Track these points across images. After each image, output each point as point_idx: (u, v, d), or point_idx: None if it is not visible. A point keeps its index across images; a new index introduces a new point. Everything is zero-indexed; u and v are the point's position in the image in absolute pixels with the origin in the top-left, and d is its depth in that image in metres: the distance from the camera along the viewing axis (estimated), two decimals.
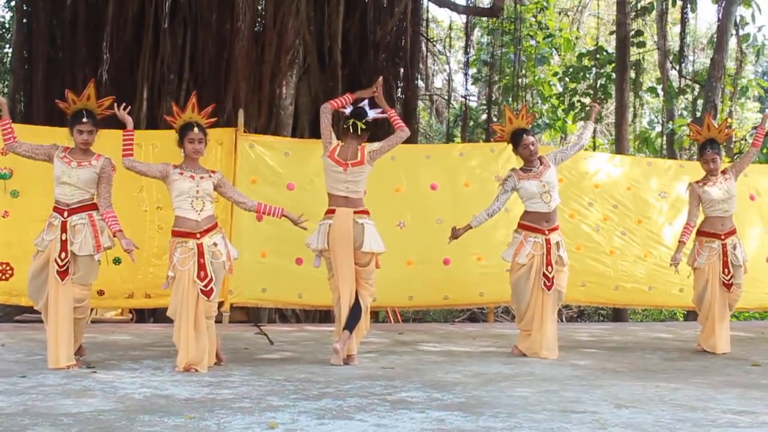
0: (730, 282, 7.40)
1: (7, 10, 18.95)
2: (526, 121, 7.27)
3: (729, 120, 7.66)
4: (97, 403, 4.54)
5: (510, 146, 9.41)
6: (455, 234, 7.21)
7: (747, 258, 7.67)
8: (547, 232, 6.97)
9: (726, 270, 7.39)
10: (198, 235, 6.01)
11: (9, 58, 17.18)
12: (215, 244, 6.06)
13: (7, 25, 18.67)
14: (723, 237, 7.44)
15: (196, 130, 6.14)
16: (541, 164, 7.07)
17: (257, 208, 6.39)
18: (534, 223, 7.00)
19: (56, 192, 6.06)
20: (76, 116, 6.07)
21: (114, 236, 6.13)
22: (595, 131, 20.15)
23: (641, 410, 4.47)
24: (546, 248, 6.93)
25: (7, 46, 18.52)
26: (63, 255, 5.93)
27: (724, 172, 7.56)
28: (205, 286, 5.96)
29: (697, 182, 7.58)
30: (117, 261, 8.35)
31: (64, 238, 5.94)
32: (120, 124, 6.29)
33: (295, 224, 6.46)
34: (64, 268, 5.93)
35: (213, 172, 6.27)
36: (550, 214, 7.01)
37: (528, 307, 6.98)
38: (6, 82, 17.68)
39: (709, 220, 7.52)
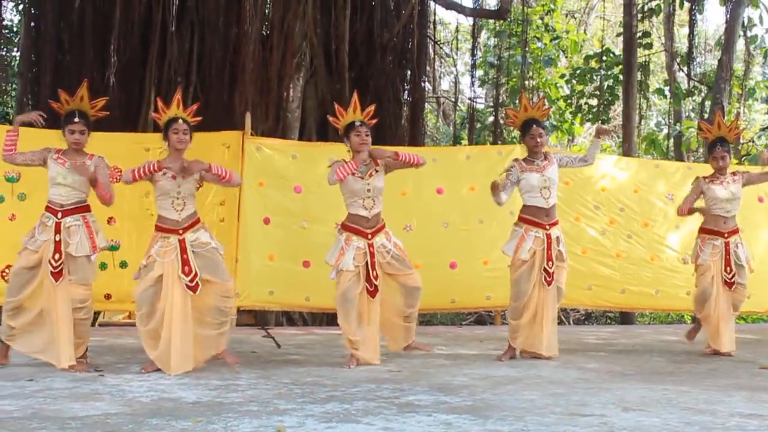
0: (732, 281, 7.36)
1: (15, 13, 19.02)
2: (540, 112, 7.24)
3: (739, 120, 7.66)
4: (105, 406, 4.55)
5: (516, 149, 9.45)
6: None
7: (750, 258, 7.60)
8: (547, 227, 6.93)
9: (728, 268, 7.35)
10: (180, 231, 6.09)
11: (17, 62, 17.24)
12: (196, 239, 6.13)
13: (15, 29, 18.73)
14: (726, 235, 7.40)
15: (180, 121, 6.22)
16: (545, 159, 7.04)
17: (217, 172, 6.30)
18: (534, 216, 6.96)
19: (51, 193, 6.11)
20: (69, 116, 6.14)
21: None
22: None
23: (649, 413, 4.47)
24: (546, 243, 6.91)
25: (15, 49, 18.57)
26: (57, 256, 5.96)
27: (734, 173, 7.53)
28: (191, 281, 6.02)
29: (705, 178, 7.54)
30: (123, 264, 8.37)
31: (58, 238, 5.98)
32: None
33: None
34: (59, 269, 5.97)
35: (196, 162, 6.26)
36: (548, 210, 6.99)
37: (526, 303, 6.96)
38: (14, 86, 17.73)
39: (712, 218, 7.48)
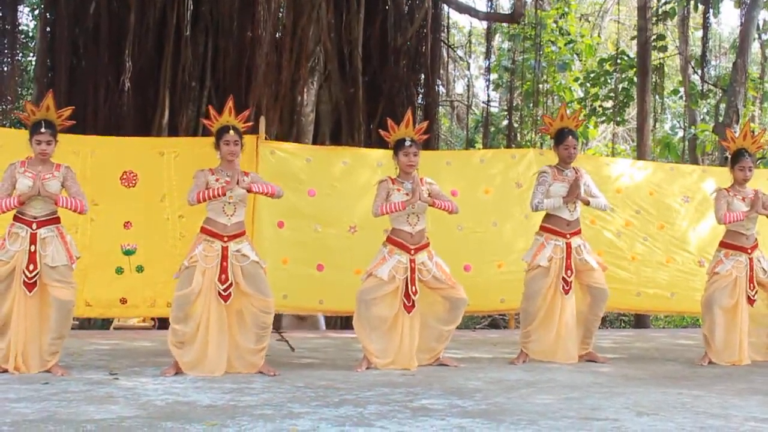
0: (755, 298, 7.21)
1: (30, 18, 19.15)
2: (575, 123, 7.22)
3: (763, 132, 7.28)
4: (120, 409, 4.56)
5: (530, 153, 9.44)
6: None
7: None
8: (568, 236, 6.92)
9: (751, 285, 7.13)
10: (225, 239, 6.07)
11: (33, 67, 17.36)
12: (238, 251, 6.10)
13: (30, 34, 18.86)
14: (749, 251, 7.16)
15: (231, 132, 6.18)
16: (575, 173, 7.00)
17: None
18: (556, 226, 6.95)
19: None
20: (35, 126, 6.02)
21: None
22: (615, 136, 20.12)
23: (663, 418, 4.45)
24: (566, 252, 6.91)
25: (31, 54, 18.71)
26: (31, 267, 5.88)
27: (755, 192, 7.16)
28: (225, 290, 6.01)
29: (727, 190, 7.21)
30: (140, 269, 8.39)
31: (33, 249, 5.89)
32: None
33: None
34: (33, 280, 5.90)
35: (246, 173, 6.26)
36: (571, 221, 6.97)
37: (539, 309, 6.92)
38: (30, 90, 17.84)
39: (733, 235, 7.22)
